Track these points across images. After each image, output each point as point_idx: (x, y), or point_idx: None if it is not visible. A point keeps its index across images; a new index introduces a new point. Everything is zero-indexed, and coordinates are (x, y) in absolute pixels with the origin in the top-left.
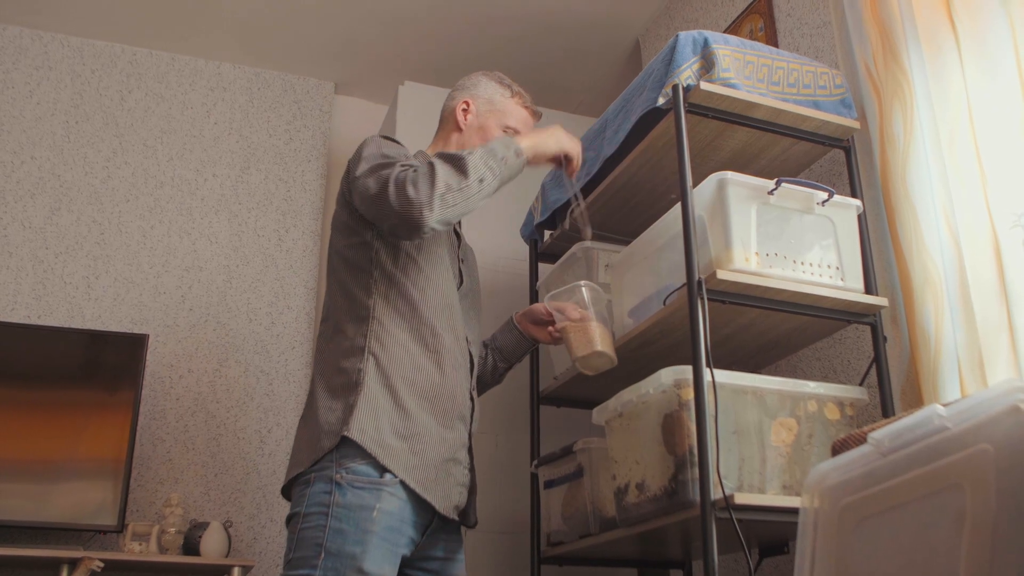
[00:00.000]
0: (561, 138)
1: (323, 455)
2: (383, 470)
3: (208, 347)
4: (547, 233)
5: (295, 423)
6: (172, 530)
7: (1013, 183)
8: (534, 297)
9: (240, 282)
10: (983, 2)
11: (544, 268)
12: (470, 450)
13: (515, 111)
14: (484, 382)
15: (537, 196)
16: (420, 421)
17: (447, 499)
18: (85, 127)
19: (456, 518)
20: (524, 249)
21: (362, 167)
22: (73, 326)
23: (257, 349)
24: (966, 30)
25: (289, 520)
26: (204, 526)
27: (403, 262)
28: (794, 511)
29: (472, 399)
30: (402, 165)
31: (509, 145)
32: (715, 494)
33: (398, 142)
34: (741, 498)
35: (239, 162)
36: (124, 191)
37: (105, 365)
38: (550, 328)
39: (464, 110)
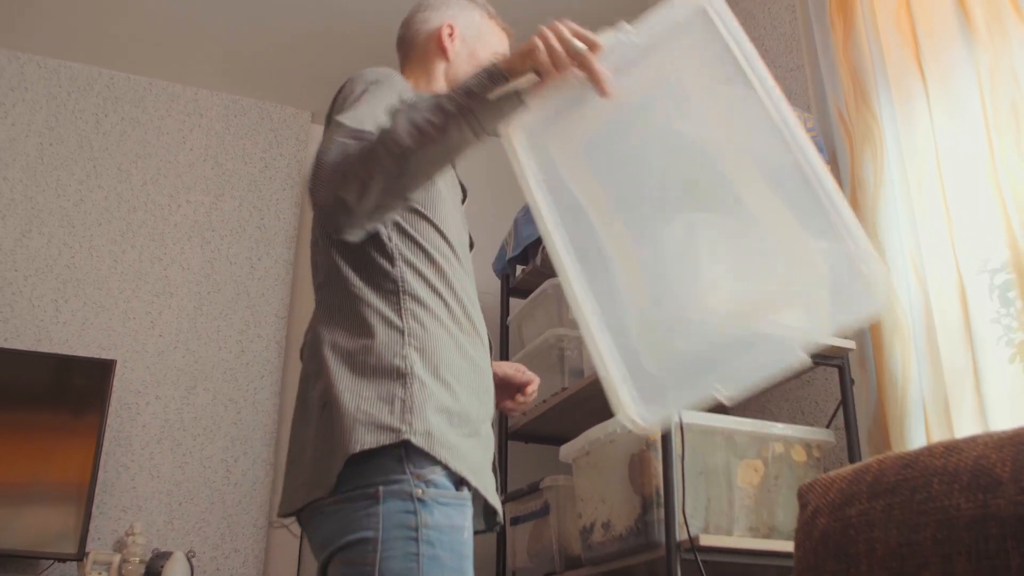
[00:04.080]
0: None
1: (376, 448)
2: (458, 480)
3: (176, 374)
4: (519, 268)
5: (263, 452)
6: (134, 559)
7: (979, 229)
8: (504, 333)
9: (211, 309)
10: (950, 48)
11: (515, 303)
12: None
13: (499, 35)
14: None
15: (509, 231)
16: (474, 416)
17: (497, 503)
18: (59, 149)
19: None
20: (496, 283)
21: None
22: (40, 350)
23: (226, 377)
24: (934, 75)
25: (350, 547)
26: (167, 556)
27: (416, 219)
28: (761, 553)
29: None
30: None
31: (480, 72)
32: (680, 535)
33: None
34: (706, 540)
35: (213, 188)
36: (96, 215)
37: (71, 389)
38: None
39: (449, 35)
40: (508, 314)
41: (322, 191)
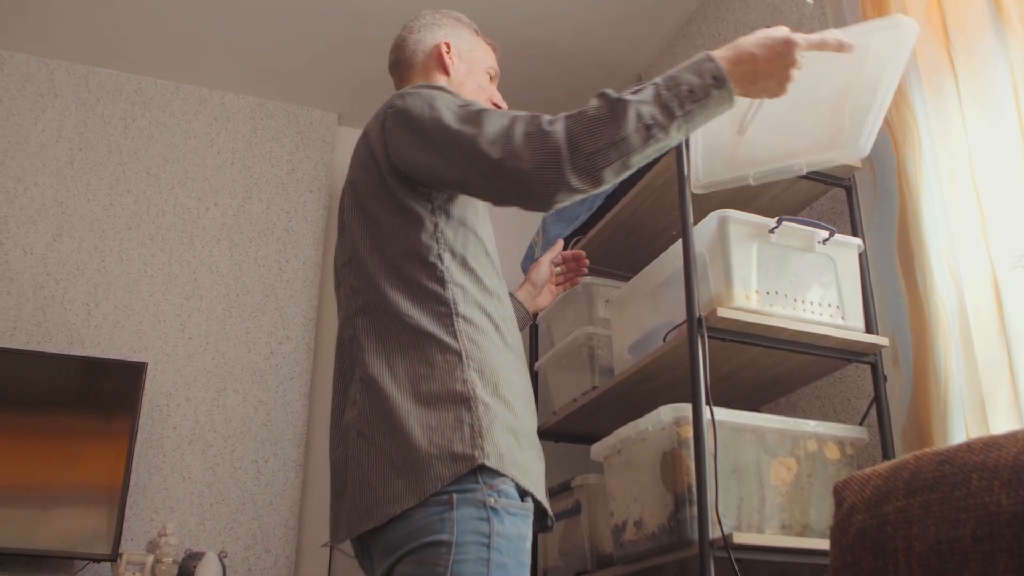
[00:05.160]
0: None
1: (453, 480)
2: (523, 493)
3: (207, 376)
4: None
5: (293, 453)
6: (167, 560)
7: (1012, 224)
8: (533, 331)
9: (240, 311)
10: (981, 41)
11: None
12: None
13: (488, 51)
14: None
15: (538, 230)
16: (531, 429)
17: (549, 509)
18: (89, 154)
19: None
20: None
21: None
22: (72, 353)
23: (256, 379)
24: (965, 70)
25: (423, 548)
26: (199, 556)
27: (464, 238)
28: (795, 551)
29: None
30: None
31: (703, 71)
32: (713, 533)
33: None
34: (739, 538)
35: (241, 191)
36: (126, 219)
37: (103, 392)
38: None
39: (447, 52)
40: (536, 313)
41: (592, 162)
